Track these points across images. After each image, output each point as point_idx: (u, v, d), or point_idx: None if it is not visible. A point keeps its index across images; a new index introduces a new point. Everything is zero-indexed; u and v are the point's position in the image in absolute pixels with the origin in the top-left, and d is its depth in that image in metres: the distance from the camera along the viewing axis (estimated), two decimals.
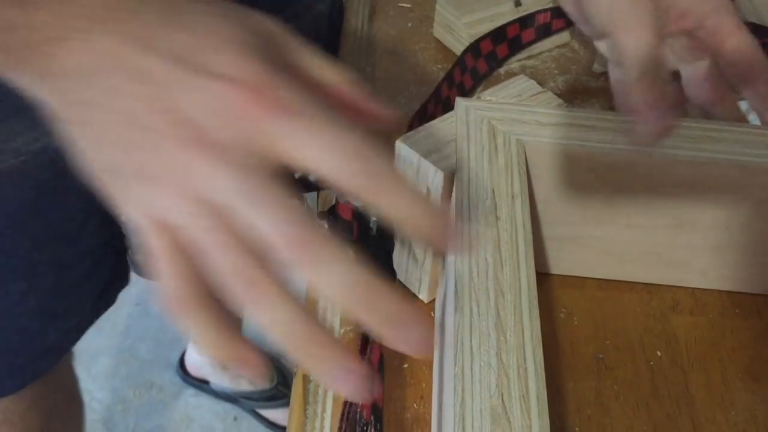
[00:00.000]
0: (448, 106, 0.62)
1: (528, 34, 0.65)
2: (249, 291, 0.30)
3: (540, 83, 0.71)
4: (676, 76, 0.55)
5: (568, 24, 0.64)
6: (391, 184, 0.31)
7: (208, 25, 0.32)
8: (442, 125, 0.49)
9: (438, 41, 0.76)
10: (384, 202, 0.31)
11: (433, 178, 0.46)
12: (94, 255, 0.72)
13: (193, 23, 0.32)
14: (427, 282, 0.51)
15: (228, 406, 1.52)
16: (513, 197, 0.44)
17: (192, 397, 1.54)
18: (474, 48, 0.64)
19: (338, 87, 0.35)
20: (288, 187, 0.31)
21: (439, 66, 0.73)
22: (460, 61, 0.63)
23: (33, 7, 0.31)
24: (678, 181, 0.48)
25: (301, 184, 0.44)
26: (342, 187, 0.30)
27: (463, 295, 0.39)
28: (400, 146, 0.48)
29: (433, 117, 0.60)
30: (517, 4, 0.72)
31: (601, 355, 0.50)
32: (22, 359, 0.79)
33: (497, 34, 0.64)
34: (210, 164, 0.30)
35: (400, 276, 0.52)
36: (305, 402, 0.48)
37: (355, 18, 0.81)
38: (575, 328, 0.51)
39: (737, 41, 0.51)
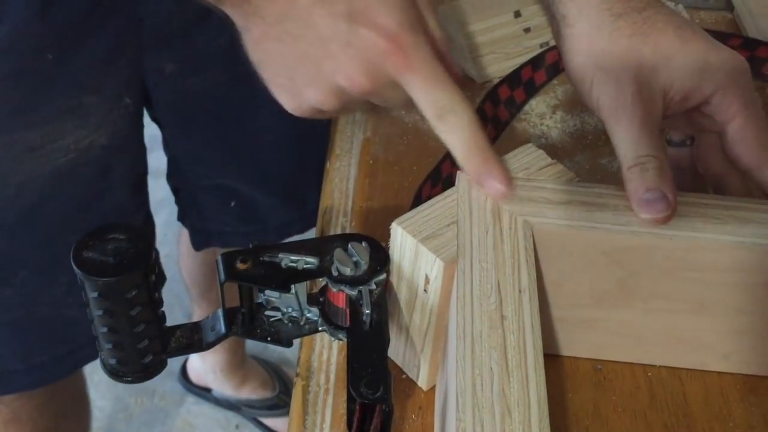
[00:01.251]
0: None
1: (540, 75, 0.65)
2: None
3: (537, 95, 0.71)
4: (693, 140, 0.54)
5: None
6: (455, 126, 0.45)
7: None
8: (443, 204, 0.46)
9: None
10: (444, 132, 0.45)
11: (433, 267, 0.43)
12: None
13: None
14: (425, 370, 0.48)
15: (230, 414, 1.52)
16: (521, 291, 0.41)
17: (194, 405, 1.54)
18: (492, 95, 0.62)
19: (439, 41, 0.48)
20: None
21: None
22: (479, 111, 0.60)
23: None
24: (700, 264, 0.45)
25: (289, 275, 0.43)
26: (425, 114, 0.45)
27: (465, 412, 0.35)
28: (396, 229, 0.44)
29: (449, 179, 0.56)
30: (517, 15, 0.73)
31: (599, 366, 0.50)
32: (67, 348, 0.81)
33: (513, 79, 0.63)
34: (358, 66, 0.45)
35: (397, 361, 0.50)
36: (304, 412, 0.49)
37: None
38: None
39: (740, 125, 0.48)
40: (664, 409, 0.48)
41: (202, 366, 1.49)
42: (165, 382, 1.56)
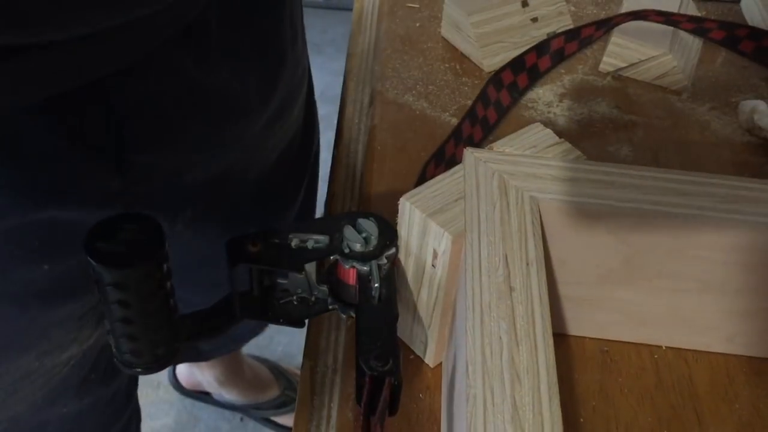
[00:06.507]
0: (472, 145, 0.60)
1: (544, 61, 0.64)
2: None
3: (545, 83, 0.71)
4: None
5: (581, 47, 0.64)
6: None
7: None
8: (450, 181, 0.46)
9: (445, 40, 0.76)
10: None
11: (441, 241, 0.43)
12: None
13: None
14: (433, 346, 0.48)
15: None
16: (528, 264, 0.41)
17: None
18: (495, 79, 0.62)
19: None
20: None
21: (447, 65, 0.73)
22: (482, 95, 0.60)
23: None
24: (705, 243, 0.45)
25: (300, 255, 0.43)
26: None
27: (475, 380, 0.36)
28: (405, 204, 0.44)
29: (452, 159, 0.56)
30: (524, 4, 0.73)
31: (606, 348, 0.50)
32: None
33: (516, 64, 0.63)
34: None
35: (404, 338, 0.50)
36: (312, 392, 0.49)
37: (364, 18, 0.82)
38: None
39: None
40: (670, 390, 0.48)
41: (201, 377, 1.47)
42: (170, 374, 1.56)
